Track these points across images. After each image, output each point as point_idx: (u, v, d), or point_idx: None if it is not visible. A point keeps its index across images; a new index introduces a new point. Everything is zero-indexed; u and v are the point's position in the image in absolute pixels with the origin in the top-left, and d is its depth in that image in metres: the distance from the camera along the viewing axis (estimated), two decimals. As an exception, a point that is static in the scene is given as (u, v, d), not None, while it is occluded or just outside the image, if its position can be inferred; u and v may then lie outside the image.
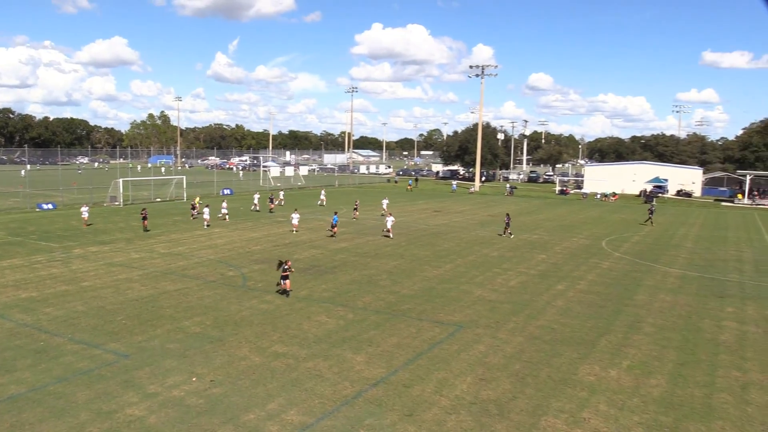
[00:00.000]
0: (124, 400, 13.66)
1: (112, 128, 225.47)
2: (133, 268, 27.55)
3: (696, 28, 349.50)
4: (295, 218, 39.74)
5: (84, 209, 41.77)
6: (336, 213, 39.80)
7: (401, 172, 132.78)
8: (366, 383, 14.96)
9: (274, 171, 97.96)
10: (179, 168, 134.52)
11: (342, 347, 17.55)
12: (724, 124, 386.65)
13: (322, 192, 61.58)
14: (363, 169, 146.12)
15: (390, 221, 39.03)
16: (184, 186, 64.06)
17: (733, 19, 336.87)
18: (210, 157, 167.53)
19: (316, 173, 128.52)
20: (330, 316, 20.72)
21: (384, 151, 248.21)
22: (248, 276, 26.55)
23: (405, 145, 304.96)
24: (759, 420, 13.58)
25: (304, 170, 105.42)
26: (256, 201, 53.57)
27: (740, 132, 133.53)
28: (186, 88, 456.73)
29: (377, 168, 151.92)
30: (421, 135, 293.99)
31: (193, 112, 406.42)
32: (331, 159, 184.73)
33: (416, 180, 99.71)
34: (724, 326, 20.89)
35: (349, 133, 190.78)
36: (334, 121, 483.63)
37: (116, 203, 56.09)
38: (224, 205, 45.70)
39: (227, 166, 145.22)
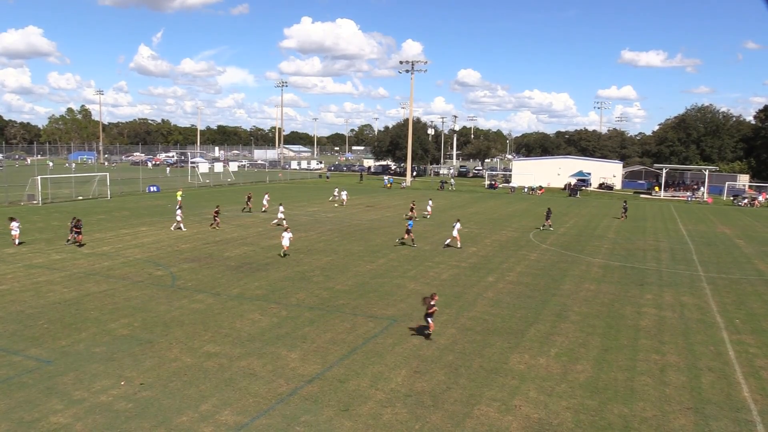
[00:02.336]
0: (48, 408, 13.08)
1: (29, 123, 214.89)
2: (55, 270, 26.36)
3: (614, 28, 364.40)
4: (284, 229, 33.10)
5: (14, 225, 32.32)
6: (411, 219, 39.36)
7: (332, 168, 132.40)
8: (301, 380, 14.89)
9: (203, 167, 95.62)
10: (103, 165, 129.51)
11: (276, 345, 17.40)
12: (642, 120, 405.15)
13: (266, 196, 55.98)
14: (294, 164, 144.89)
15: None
16: (108, 184, 61.69)
17: (648, 20, 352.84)
18: (135, 153, 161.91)
19: (246, 169, 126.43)
20: (263, 313, 20.49)
21: (315, 146, 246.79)
22: (178, 275, 25.89)
23: (336, 140, 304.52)
24: (676, 400, 14.36)
25: (233, 166, 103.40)
26: (265, 202, 51.66)
27: (656, 127, 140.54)
28: (108, 81, 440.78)
29: (308, 163, 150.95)
30: (352, 130, 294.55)
31: (115, 106, 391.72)
32: (261, 155, 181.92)
33: (391, 180, 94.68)
34: (644, 312, 21.94)
35: (279, 129, 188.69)
36: (264, 116, 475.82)
37: (34, 202, 53.48)
38: (179, 212, 41.88)
39: (153, 162, 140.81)
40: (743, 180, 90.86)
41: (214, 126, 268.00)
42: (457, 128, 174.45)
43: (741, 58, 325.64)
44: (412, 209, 47.06)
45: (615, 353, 17.52)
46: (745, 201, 75.84)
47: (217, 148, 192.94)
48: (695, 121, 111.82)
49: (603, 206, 65.58)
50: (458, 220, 36.21)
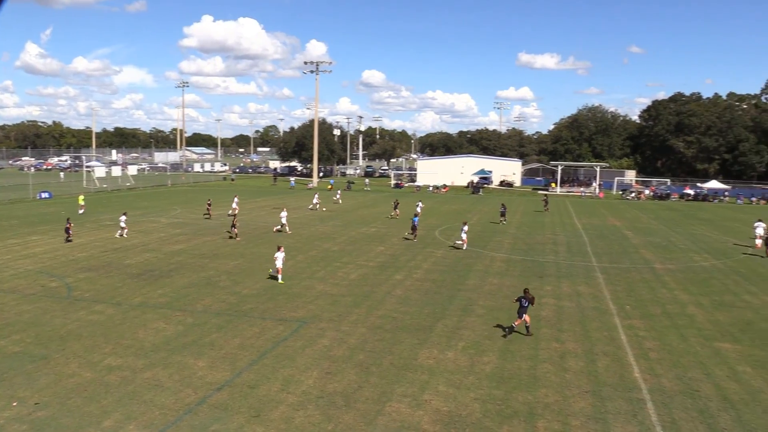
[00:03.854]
0: (-71, 435, 12.10)
1: None
2: (-67, 286, 24.32)
3: (512, 31, 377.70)
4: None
5: None
6: (416, 215, 41.06)
7: (238, 170, 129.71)
8: (210, 388, 14.54)
9: (99, 171, 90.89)
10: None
11: (182, 353, 16.89)
12: (539, 120, 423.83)
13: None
14: (198, 167, 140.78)
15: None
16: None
17: (543, 24, 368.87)
18: (23, 158, 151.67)
19: (146, 173, 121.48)
20: (168, 322, 19.82)
21: (219, 148, 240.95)
22: (74, 286, 24.54)
23: (241, 141, 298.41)
24: (575, 384, 15.18)
25: (133, 170, 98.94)
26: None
27: (552, 127, 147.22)
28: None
29: (212, 166, 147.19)
30: (257, 131, 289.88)
31: (0, 107, 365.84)
32: (162, 157, 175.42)
33: (350, 183, 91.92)
34: (544, 303, 22.97)
35: (181, 130, 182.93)
36: (164, 117, 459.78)
37: None
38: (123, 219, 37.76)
39: (44, 166, 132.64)
40: (630, 175, 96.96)
41: (110, 128, 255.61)
42: (362, 129, 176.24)
43: (627, 61, 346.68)
44: (395, 208, 50.46)
45: (518, 343, 18.26)
46: (633, 195, 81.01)
47: (114, 152, 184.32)
48: (587, 120, 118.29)
49: (505, 203, 67.90)
50: (465, 223, 36.38)
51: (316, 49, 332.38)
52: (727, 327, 20.43)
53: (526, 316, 18.98)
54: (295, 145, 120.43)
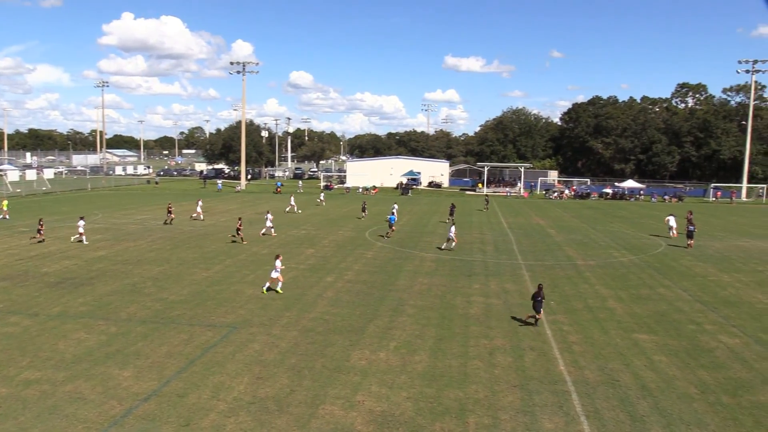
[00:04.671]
0: None
1: None
2: None
3: (439, 34, 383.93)
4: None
5: None
6: (393, 213, 44.31)
7: (162, 173, 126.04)
8: (136, 399, 14.07)
9: (12, 175, 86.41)
10: None
11: (106, 364, 16.26)
12: (465, 122, 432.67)
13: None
14: (119, 170, 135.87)
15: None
16: None
17: (468, 28, 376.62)
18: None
19: (64, 176, 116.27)
20: (90, 332, 19.03)
21: (142, 150, 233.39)
22: (-15, 297, 23.20)
23: (165, 143, 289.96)
24: (504, 379, 15.58)
25: (49, 173, 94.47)
26: (198, 209, 48.78)
27: (478, 128, 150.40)
28: None
29: (135, 169, 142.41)
30: (182, 133, 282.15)
31: None
32: (81, 160, 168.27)
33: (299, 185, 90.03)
34: (473, 301, 23.48)
35: (101, 132, 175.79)
36: (82, 118, 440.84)
37: None
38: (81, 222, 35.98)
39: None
40: (553, 176, 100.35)
41: (24, 129, 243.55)
42: (291, 130, 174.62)
43: (548, 65, 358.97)
44: (364, 209, 51.38)
45: (449, 341, 18.58)
46: (555, 194, 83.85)
47: (28, 154, 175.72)
48: (511, 122, 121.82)
49: (433, 203, 69.04)
50: (454, 224, 38.01)
51: (243, 49, 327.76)
52: (644, 319, 21.48)
53: (539, 309, 20.16)
54: (221, 147, 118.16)
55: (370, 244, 37.20)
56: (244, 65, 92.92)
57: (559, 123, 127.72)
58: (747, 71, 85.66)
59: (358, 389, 14.82)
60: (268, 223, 39.61)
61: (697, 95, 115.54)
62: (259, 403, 13.92)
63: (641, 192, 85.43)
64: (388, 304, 22.91)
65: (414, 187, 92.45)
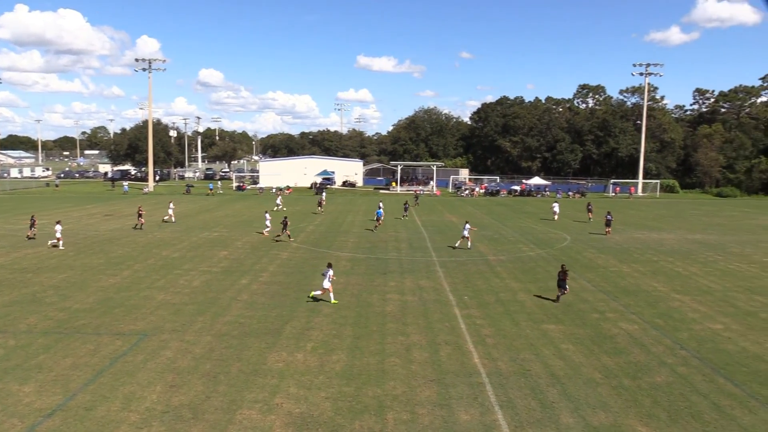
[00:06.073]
0: None
1: None
2: None
3: (351, 34, 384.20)
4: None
5: None
6: (380, 207, 47.90)
7: (62, 175, 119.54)
8: (39, 415, 13.31)
9: None
10: None
11: (4, 380, 15.27)
12: (378, 121, 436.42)
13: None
14: (15, 172, 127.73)
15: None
16: None
17: (380, 28, 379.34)
18: None
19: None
20: (-15, 345, 17.82)
21: (40, 151, 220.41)
22: None
23: (66, 144, 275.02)
24: (421, 375, 15.86)
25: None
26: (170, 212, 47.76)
27: (391, 128, 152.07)
28: None
29: (33, 171, 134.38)
30: (84, 133, 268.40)
31: None
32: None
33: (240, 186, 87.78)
34: (389, 299, 23.73)
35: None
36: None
37: None
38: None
39: None
40: (464, 174, 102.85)
41: None
42: (201, 130, 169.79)
43: (458, 66, 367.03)
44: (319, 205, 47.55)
45: (366, 340, 18.70)
46: (467, 192, 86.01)
47: None
48: (423, 121, 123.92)
49: (348, 203, 69.15)
50: (467, 222, 38.08)
51: (148, 45, 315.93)
52: (552, 310, 22.45)
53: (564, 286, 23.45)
54: (127, 147, 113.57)
55: (285, 245, 36.82)
56: (150, 62, 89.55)
57: (469, 122, 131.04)
58: (641, 74, 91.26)
59: (276, 392, 14.66)
60: (170, 211, 40.51)
61: (596, 96, 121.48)
62: (173, 412, 13.50)
63: (547, 189, 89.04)
64: (305, 305, 22.78)
65: (328, 186, 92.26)
